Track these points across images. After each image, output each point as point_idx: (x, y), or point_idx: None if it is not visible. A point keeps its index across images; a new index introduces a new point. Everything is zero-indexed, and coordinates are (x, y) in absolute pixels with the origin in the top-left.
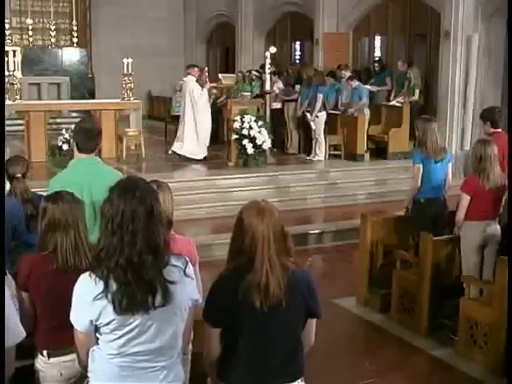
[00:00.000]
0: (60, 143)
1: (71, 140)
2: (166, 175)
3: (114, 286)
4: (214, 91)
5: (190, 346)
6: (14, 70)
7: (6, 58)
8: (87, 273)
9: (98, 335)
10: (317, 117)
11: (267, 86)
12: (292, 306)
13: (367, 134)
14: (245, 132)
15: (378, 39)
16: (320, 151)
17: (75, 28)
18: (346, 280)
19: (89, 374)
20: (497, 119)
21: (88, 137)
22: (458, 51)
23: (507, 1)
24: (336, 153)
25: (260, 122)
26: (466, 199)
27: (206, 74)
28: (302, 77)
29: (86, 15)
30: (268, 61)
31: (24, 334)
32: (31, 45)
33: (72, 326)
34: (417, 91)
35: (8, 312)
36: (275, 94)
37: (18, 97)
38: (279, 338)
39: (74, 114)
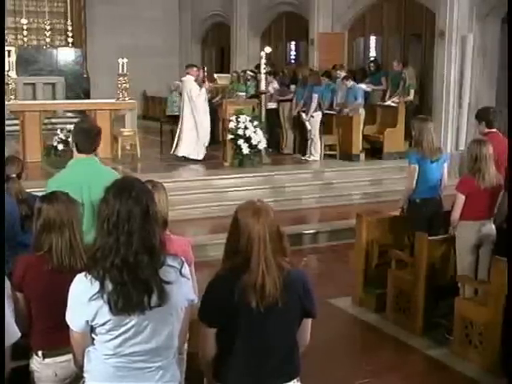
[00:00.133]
0: (55, 143)
1: (70, 140)
2: (162, 175)
3: (109, 286)
4: (206, 87)
5: (186, 346)
6: (9, 70)
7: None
8: (83, 273)
9: (93, 335)
10: (312, 117)
11: (262, 86)
12: (288, 305)
13: (362, 133)
14: (240, 132)
15: (372, 39)
16: (315, 151)
17: (70, 28)
18: (342, 280)
19: (84, 375)
20: (492, 119)
21: (87, 137)
22: (453, 51)
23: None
24: (331, 153)
25: (255, 122)
26: (461, 199)
27: (202, 73)
28: (297, 77)
29: (80, 15)
30: (263, 61)
31: (19, 335)
32: (26, 45)
33: (67, 327)
34: (412, 91)
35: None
36: (270, 94)
37: (12, 97)
38: (276, 338)
39: (69, 114)
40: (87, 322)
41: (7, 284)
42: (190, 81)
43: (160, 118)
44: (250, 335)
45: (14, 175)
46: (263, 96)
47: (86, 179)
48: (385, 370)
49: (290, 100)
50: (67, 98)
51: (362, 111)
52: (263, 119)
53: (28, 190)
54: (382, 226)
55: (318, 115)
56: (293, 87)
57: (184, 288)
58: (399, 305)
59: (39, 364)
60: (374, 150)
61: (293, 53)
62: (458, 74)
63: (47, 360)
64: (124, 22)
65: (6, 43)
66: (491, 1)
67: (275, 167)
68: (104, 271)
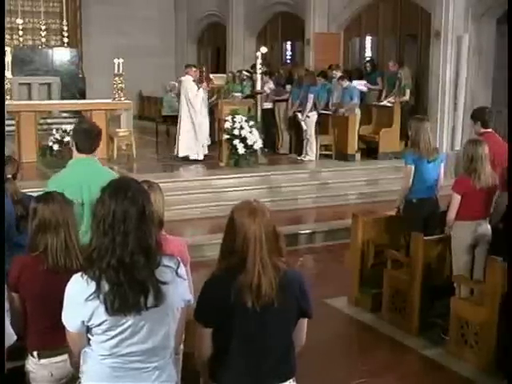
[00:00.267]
0: (50, 143)
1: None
2: (158, 175)
3: (106, 286)
4: (203, 87)
5: (182, 346)
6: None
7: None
8: (79, 273)
9: (89, 336)
10: (308, 117)
11: (258, 86)
12: (284, 306)
13: (358, 133)
14: (236, 132)
15: (368, 39)
16: (311, 151)
17: (66, 28)
18: (337, 280)
19: (81, 375)
20: (487, 119)
21: (88, 137)
22: (449, 51)
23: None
24: (327, 153)
25: (251, 122)
26: (456, 199)
27: (200, 73)
28: (292, 77)
29: (76, 15)
30: (259, 61)
31: (15, 338)
32: (21, 45)
33: (62, 327)
34: (407, 91)
35: None
36: (266, 94)
37: (8, 97)
38: (272, 338)
39: (65, 115)
40: (83, 322)
41: None
42: (188, 81)
43: (156, 118)
44: (246, 335)
45: (9, 175)
46: (259, 96)
47: (86, 179)
48: (381, 369)
49: (286, 100)
50: (63, 98)
51: (357, 111)
52: (259, 119)
53: (24, 191)
54: (377, 226)
55: (314, 115)
56: (288, 87)
57: (180, 288)
58: (395, 305)
59: (35, 364)
60: (370, 150)
61: (288, 53)
62: (454, 74)
63: (43, 360)
64: (120, 22)
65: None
66: (487, 1)
67: (271, 167)
68: (100, 271)
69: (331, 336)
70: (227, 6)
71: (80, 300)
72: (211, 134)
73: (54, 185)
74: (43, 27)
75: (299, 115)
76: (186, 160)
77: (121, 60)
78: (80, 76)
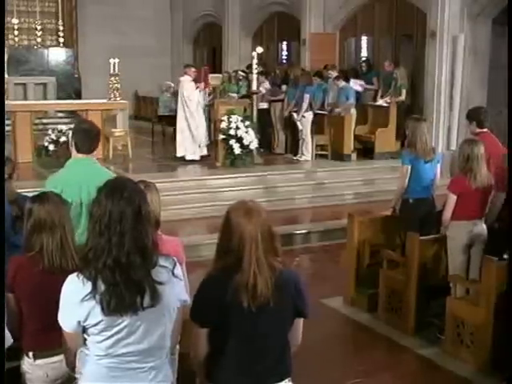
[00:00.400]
0: (46, 144)
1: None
2: (154, 175)
3: (102, 286)
4: (201, 88)
5: (178, 346)
6: None
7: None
8: (75, 273)
9: (85, 336)
10: (303, 117)
11: (254, 86)
12: (280, 305)
13: (354, 133)
14: (232, 132)
15: (364, 39)
16: (307, 151)
17: (61, 28)
18: (333, 280)
19: (77, 375)
20: (483, 119)
21: (87, 137)
22: (444, 51)
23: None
24: (323, 153)
25: (247, 122)
26: (452, 199)
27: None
28: (288, 77)
29: (72, 15)
30: (255, 61)
31: (11, 341)
32: (17, 45)
33: (58, 328)
34: (403, 91)
35: None
36: (262, 94)
37: None
38: (268, 337)
39: (61, 115)
40: (79, 322)
41: None
42: (186, 81)
43: (152, 118)
44: (242, 335)
45: (5, 175)
46: (255, 96)
47: (85, 179)
48: (377, 369)
49: (282, 100)
50: (58, 98)
51: (353, 111)
52: (255, 119)
53: (19, 191)
54: (373, 226)
55: (310, 115)
56: (284, 87)
57: (176, 288)
58: (391, 304)
59: (30, 365)
60: (366, 150)
61: (284, 53)
62: (449, 74)
63: (38, 361)
64: (115, 22)
65: None
66: (482, 1)
67: (268, 167)
68: (96, 272)
69: (327, 336)
70: (223, 6)
71: (76, 300)
72: (209, 134)
73: (52, 185)
74: (39, 27)
75: (295, 115)
76: (183, 160)
77: (116, 60)
78: (76, 76)
